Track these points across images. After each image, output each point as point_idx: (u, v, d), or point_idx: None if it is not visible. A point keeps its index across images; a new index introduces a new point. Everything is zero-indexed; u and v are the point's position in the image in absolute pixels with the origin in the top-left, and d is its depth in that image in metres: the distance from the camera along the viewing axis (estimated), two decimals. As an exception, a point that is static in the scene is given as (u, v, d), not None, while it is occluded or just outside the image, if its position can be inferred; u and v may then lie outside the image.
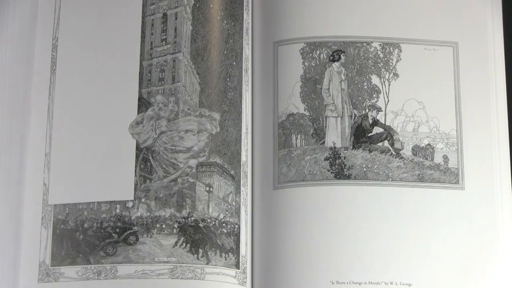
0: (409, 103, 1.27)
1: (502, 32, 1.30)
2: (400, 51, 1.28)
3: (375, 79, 1.28)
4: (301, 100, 1.27)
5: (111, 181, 1.21)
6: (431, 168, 1.25)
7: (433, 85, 1.28)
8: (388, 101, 1.28)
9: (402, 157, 1.26)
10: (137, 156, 1.22)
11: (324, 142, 1.27)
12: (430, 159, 1.26)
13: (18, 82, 1.26)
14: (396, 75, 1.28)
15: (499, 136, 1.27)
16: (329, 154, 1.26)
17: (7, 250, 1.21)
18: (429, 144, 1.26)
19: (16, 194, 1.23)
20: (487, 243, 1.23)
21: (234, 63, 1.27)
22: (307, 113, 1.27)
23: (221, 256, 1.21)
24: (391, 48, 1.28)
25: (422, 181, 1.24)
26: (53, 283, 1.19)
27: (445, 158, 1.26)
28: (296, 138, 1.27)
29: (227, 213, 1.22)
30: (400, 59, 1.28)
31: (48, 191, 1.22)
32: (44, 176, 1.22)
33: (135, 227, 1.20)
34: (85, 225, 1.21)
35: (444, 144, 1.26)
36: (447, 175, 1.25)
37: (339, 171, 1.25)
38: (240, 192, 1.24)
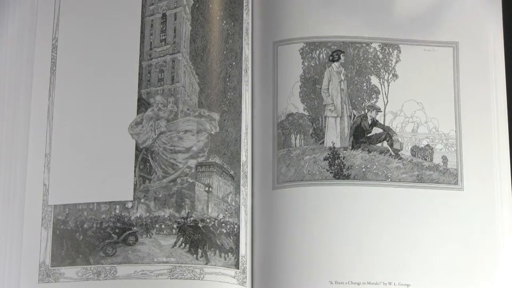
0: (408, 104, 1.27)
1: (502, 32, 1.30)
2: (400, 52, 1.28)
3: (374, 80, 1.28)
4: (301, 100, 1.27)
5: (111, 182, 1.22)
6: (430, 168, 1.25)
7: (433, 85, 1.27)
8: (387, 101, 1.27)
9: (401, 158, 1.26)
10: (136, 157, 1.23)
11: (323, 142, 1.27)
12: (429, 159, 1.26)
13: (18, 82, 1.26)
14: (395, 75, 1.28)
15: (499, 136, 1.27)
16: (328, 154, 1.26)
17: (8, 250, 1.21)
18: (428, 145, 1.26)
19: (16, 195, 1.23)
20: (486, 243, 1.23)
21: (233, 63, 1.27)
22: (306, 113, 1.27)
23: (220, 256, 1.21)
24: (390, 49, 1.28)
25: (421, 182, 1.24)
26: (53, 284, 1.20)
27: (444, 158, 1.26)
28: (296, 138, 1.27)
29: (226, 213, 1.23)
30: (400, 60, 1.28)
31: (48, 191, 1.22)
32: (44, 177, 1.23)
33: (135, 228, 1.20)
34: (85, 225, 1.21)
35: (443, 145, 1.26)
36: (446, 175, 1.25)
37: (338, 171, 1.25)
38: (239, 192, 1.24)
